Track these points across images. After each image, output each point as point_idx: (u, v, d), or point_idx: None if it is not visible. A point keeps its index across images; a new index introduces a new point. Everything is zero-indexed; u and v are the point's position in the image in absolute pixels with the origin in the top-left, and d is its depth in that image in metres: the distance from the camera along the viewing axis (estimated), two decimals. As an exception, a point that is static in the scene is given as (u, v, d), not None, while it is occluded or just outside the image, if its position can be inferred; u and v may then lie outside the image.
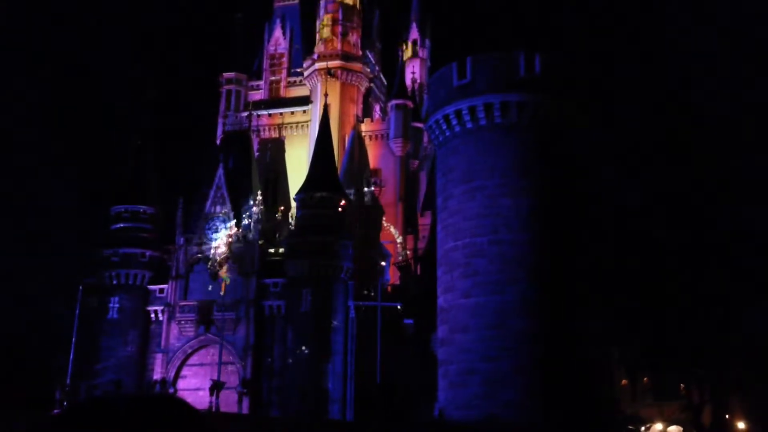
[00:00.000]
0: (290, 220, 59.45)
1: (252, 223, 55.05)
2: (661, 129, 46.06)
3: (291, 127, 67.64)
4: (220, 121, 67.67)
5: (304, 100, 67.80)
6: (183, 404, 2.13)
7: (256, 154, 63.61)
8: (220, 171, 57.26)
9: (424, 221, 59.07)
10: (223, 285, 52.62)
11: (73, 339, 52.87)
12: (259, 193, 58.19)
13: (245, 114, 64.45)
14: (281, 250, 55.22)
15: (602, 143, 39.28)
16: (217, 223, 55.84)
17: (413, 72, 73.82)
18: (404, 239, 61.57)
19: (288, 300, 52.40)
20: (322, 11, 68.20)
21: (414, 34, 77.42)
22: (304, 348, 50.53)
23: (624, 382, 52.32)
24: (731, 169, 43.00)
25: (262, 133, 67.28)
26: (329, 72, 64.72)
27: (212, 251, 54.98)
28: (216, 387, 47.02)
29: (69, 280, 56.07)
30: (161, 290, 55.97)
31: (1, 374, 49.93)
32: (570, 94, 36.44)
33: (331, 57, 65.53)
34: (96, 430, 1.97)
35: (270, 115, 68.16)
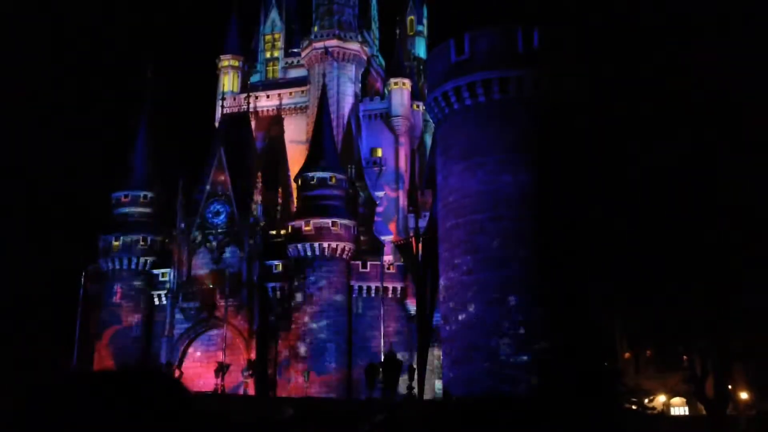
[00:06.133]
0: (291, 201, 59.43)
1: (253, 205, 55.02)
2: (665, 99, 45.68)
3: (289, 107, 67.36)
4: (219, 103, 67.38)
5: (302, 81, 67.44)
6: (162, 375, 2.13)
7: (255, 135, 63.40)
8: (220, 153, 57.11)
9: (425, 200, 58.90)
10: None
11: (77, 324, 53.06)
12: (258, 174, 58.13)
13: (243, 96, 64.18)
14: (282, 231, 55.24)
15: (603, 117, 39.06)
16: (218, 206, 55.81)
17: (411, 50, 73.28)
18: (405, 217, 61.53)
19: (291, 281, 52.54)
20: (318, -10, 67.55)
21: (412, 11, 76.79)
22: (309, 329, 50.67)
23: (627, 354, 52.52)
24: (736, 141, 42.66)
25: (260, 115, 67.06)
26: (327, 52, 64.30)
27: (213, 234, 55.02)
28: (221, 369, 47.33)
29: (71, 266, 56.16)
30: (164, 274, 56.12)
31: (5, 360, 50.20)
32: (569, 68, 36.13)
33: (328, 36, 65.09)
34: (84, 399, 1.99)
35: (268, 96, 67.86)
